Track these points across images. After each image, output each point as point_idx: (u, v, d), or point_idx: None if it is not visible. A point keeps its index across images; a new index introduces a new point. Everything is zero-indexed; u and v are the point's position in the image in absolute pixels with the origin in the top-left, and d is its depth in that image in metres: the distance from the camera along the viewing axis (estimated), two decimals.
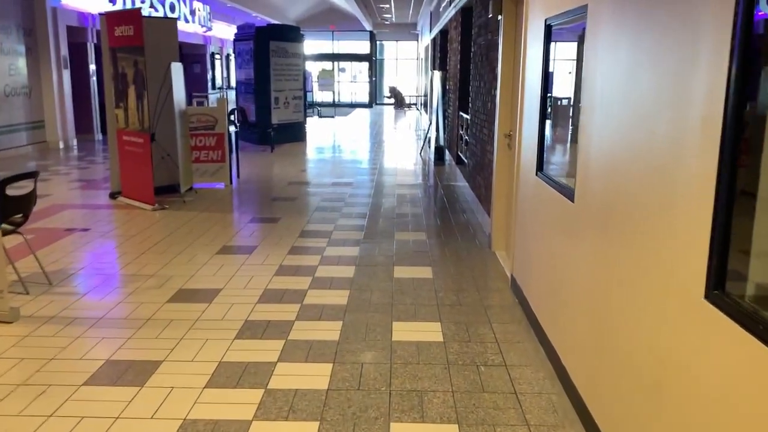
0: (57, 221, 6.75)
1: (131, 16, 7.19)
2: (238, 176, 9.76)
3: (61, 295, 4.53)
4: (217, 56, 25.09)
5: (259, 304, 4.38)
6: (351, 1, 20.73)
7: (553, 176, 3.62)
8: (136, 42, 7.21)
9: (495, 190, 5.68)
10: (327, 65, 31.95)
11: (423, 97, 25.12)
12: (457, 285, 4.81)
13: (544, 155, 3.93)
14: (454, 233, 6.41)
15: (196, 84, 23.09)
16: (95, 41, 14.48)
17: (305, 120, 15.31)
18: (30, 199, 4.66)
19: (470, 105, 8.17)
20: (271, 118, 14.14)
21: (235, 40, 14.85)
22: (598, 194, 2.71)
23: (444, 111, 11.69)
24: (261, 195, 8.46)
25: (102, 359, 3.53)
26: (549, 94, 3.87)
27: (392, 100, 31.43)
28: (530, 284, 4.10)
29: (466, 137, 8.82)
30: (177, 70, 7.88)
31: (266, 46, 13.85)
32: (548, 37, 3.85)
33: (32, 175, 4.70)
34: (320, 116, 24.10)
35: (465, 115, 9.03)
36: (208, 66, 23.68)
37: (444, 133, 11.68)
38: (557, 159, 3.84)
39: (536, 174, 3.96)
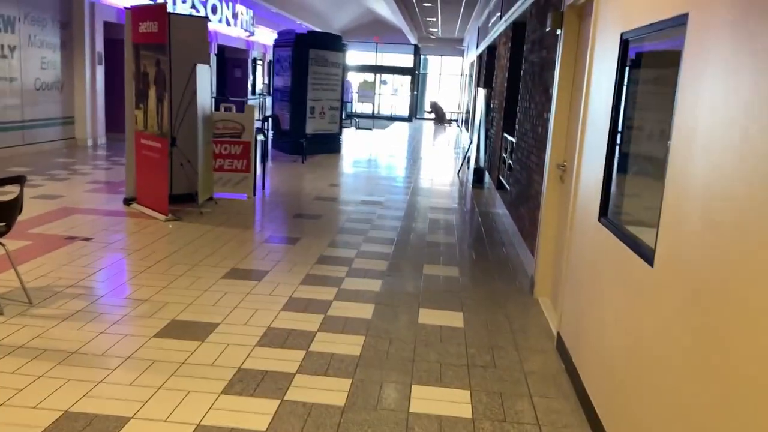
0: (60, 227, 6.26)
1: (156, 11, 6.71)
2: (263, 188, 9.21)
3: (38, 318, 3.97)
4: (259, 62, 24.86)
5: (258, 347, 3.75)
6: (397, 14, 20.25)
7: (623, 226, 2.90)
8: (160, 39, 6.73)
9: (542, 228, 4.95)
10: (369, 77, 31.54)
11: (464, 114, 24.43)
12: (492, 339, 4.10)
13: (610, 197, 3.21)
14: (491, 271, 5.70)
15: (237, 89, 22.86)
16: None
17: (341, 131, 14.77)
18: (13, 206, 4.13)
19: (516, 127, 7.47)
20: (305, 127, 13.62)
21: (274, 46, 14.43)
22: (696, 263, 1.99)
23: (486, 131, 10.99)
24: (284, 210, 7.88)
25: (59, 410, 2.93)
26: (623, 124, 3.16)
27: (432, 116, 30.80)
28: (583, 351, 3.37)
29: (510, 161, 8.10)
30: (203, 72, 7.37)
31: (305, 53, 13.37)
32: (624, 54, 3.14)
33: (18, 179, 4.18)
34: (357, 128, 23.60)
35: (510, 138, 8.32)
36: (249, 71, 23.45)
37: (485, 155, 10.97)
38: (630, 204, 3.12)
39: (599, 219, 3.24)
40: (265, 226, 6.98)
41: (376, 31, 29.61)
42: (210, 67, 7.58)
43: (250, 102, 22.71)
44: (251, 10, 19.72)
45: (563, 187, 4.72)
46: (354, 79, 30.20)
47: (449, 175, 12.19)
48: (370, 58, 32.11)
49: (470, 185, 10.90)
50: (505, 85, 9.14)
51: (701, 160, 2.03)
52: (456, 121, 29.27)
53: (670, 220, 2.26)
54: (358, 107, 31.66)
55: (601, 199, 3.23)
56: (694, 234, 2.04)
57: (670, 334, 2.16)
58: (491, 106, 10.97)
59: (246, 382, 3.30)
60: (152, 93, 6.95)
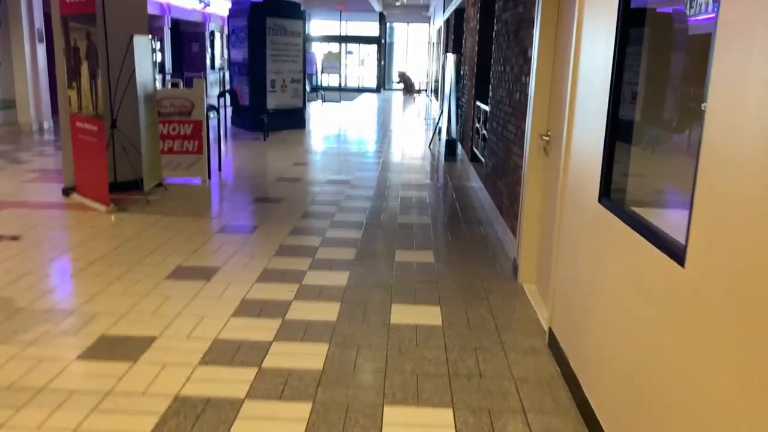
0: None
1: None
2: (220, 169, 8.52)
3: None
4: (218, 35, 23.79)
5: (201, 366, 3.16)
6: None
7: (636, 214, 2.36)
8: (89, 9, 5.96)
9: (524, 206, 4.42)
10: (334, 47, 30.58)
11: (434, 83, 23.77)
12: (475, 339, 3.57)
13: (612, 174, 2.67)
14: (469, 254, 5.17)
15: (195, 63, 21.84)
16: None
17: (305, 105, 14.04)
18: None
19: (490, 94, 6.89)
20: (266, 102, 12.87)
21: (229, 17, 13.56)
22: (744, 263, 1.46)
23: (457, 100, 10.40)
24: (243, 194, 7.23)
25: None
26: (627, 88, 2.60)
27: (401, 86, 30.06)
28: (582, 355, 2.86)
29: (484, 132, 7.54)
30: (142, 44, 6.62)
31: (262, 23, 12.55)
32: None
33: None
34: (324, 101, 22.80)
35: (483, 106, 7.74)
36: (207, 45, 22.40)
37: (456, 125, 10.39)
38: (640, 180, 2.58)
39: (599, 200, 2.70)
40: (219, 214, 6.34)
41: None
42: (151, 38, 6.83)
43: (209, 78, 21.73)
44: None
45: (548, 160, 4.18)
46: (319, 50, 29.22)
47: (420, 148, 11.61)
48: (334, 27, 31.09)
49: (443, 158, 10.33)
50: (476, 49, 8.53)
51: (755, 122, 1.48)
52: (425, 90, 28.58)
53: (706, 207, 1.72)
54: (325, 80, 30.74)
55: (602, 177, 2.69)
56: (744, 224, 1.50)
57: (709, 347, 1.63)
58: (461, 72, 10.37)
59: (184, 415, 2.72)
60: (84, 70, 6.19)
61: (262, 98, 12.82)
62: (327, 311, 3.90)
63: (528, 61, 4.70)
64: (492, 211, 6.24)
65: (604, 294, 2.59)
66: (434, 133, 12.49)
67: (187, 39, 22.01)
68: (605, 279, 2.58)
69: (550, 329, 3.50)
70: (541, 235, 4.31)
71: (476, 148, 8.33)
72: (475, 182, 7.92)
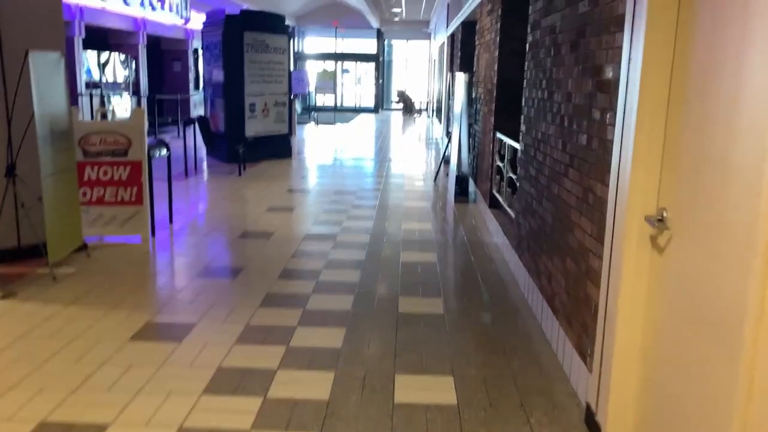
0: None
1: None
2: (171, 221, 6.71)
3: None
4: (202, 53, 22.14)
5: None
6: None
7: None
8: None
9: (617, 335, 2.60)
10: (329, 65, 28.96)
11: (436, 103, 22.09)
12: None
13: None
14: (508, 378, 3.34)
15: (176, 84, 20.13)
16: None
17: (291, 131, 12.27)
18: None
19: (523, 128, 5.11)
20: (243, 129, 11.10)
21: (202, 32, 11.85)
22: None
23: (469, 127, 8.62)
24: (189, 261, 5.42)
25: None
26: None
27: (400, 105, 28.39)
28: None
29: (511, 175, 5.76)
30: (47, 64, 4.85)
31: (239, 37, 10.81)
32: None
33: None
34: (317, 123, 21.06)
35: (508, 141, 5.98)
36: (191, 64, 20.72)
37: (469, 157, 8.60)
38: None
39: None
40: (148, 297, 4.51)
41: (334, 15, 26.97)
42: (61, 54, 5.04)
43: (194, 98, 20.01)
44: None
45: (665, 260, 2.37)
46: (314, 68, 27.58)
47: (424, 183, 9.81)
48: (330, 45, 29.49)
49: (452, 197, 8.53)
50: (495, 68, 6.76)
51: None
52: (426, 110, 26.90)
53: None
54: (320, 99, 29.08)
55: None
56: None
57: None
58: (474, 95, 8.61)
59: None
60: None
61: (239, 125, 11.05)
62: None
63: (606, 86, 2.92)
64: (531, 292, 4.43)
65: None
66: (440, 165, 10.70)
67: (168, 57, 20.33)
68: None
69: None
70: (648, 384, 2.49)
71: (498, 193, 6.53)
72: (497, 237, 6.11)
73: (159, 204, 6.62)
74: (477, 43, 8.58)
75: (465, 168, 8.61)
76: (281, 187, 9.04)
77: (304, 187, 9.25)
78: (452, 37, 14.43)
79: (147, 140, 6.05)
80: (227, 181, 9.41)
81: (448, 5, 15.83)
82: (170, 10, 16.23)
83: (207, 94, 11.82)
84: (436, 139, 17.51)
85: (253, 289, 4.70)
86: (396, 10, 24.41)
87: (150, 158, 6.02)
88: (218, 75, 11.13)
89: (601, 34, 3.05)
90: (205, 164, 10.95)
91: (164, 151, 6.54)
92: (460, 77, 8.62)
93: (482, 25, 8.14)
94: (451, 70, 13.97)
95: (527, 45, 4.97)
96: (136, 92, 16.96)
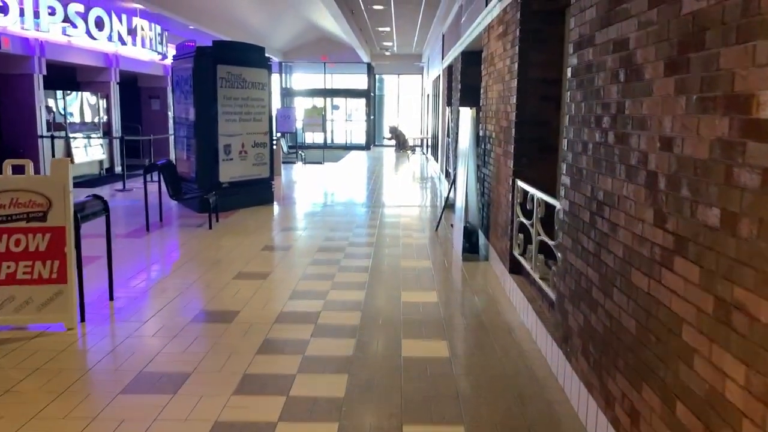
0: None
1: None
2: (111, 298, 5.32)
3: None
4: None
5: None
6: (343, 21, 16.68)
7: None
8: None
9: None
10: (318, 101, 27.91)
11: (431, 140, 20.95)
12: None
13: None
14: None
15: (155, 123, 18.89)
16: None
17: (272, 175, 10.97)
18: None
19: (567, 181, 3.82)
20: (217, 174, 9.79)
21: (172, 67, 10.62)
22: None
23: (476, 169, 7.34)
24: (117, 365, 4.02)
25: None
26: None
27: (393, 142, 27.25)
28: None
29: (548, 241, 4.45)
30: None
31: (212, 71, 9.58)
32: None
33: None
34: (305, 162, 19.82)
35: (537, 194, 4.70)
36: (170, 102, 19.52)
37: (477, 205, 7.29)
38: None
39: None
40: (58, 424, 3.11)
41: (323, 50, 26.04)
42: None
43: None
44: (158, 26, 15.86)
45: None
46: (302, 105, 26.49)
47: (424, 234, 8.49)
48: (318, 81, 28.51)
49: (458, 252, 7.20)
50: (513, 100, 5.51)
51: None
52: (420, 146, 25.77)
53: None
54: (309, 137, 27.95)
55: None
56: None
57: None
58: (483, 133, 7.35)
59: None
60: None
61: (213, 169, 9.75)
62: None
63: (764, 129, 1.61)
64: (593, 418, 3.07)
65: None
66: (442, 212, 9.40)
67: (145, 95, 19.14)
68: None
69: None
70: None
71: (523, 255, 5.20)
72: (525, 316, 4.77)
73: (101, 275, 5.25)
74: (484, 72, 7.37)
75: (473, 218, 7.29)
76: (256, 244, 7.68)
77: (283, 242, 7.90)
78: (449, 68, 13.32)
79: (77, 198, 4.72)
80: (195, 237, 8.04)
81: (443, 36, 14.78)
82: (143, 45, 15.04)
83: (177, 135, 10.53)
84: (432, 177, 16.28)
85: (198, 414, 3.31)
86: (387, 43, 23.47)
87: (78, 222, 4.67)
88: (189, 113, 9.86)
89: (748, 40, 1.77)
90: (175, 214, 9.61)
91: (98, 210, 5.18)
92: (466, 113, 7.38)
93: (490, 51, 6.93)
94: (449, 103, 12.80)
95: (569, 70, 3.71)
96: (107, 133, 15.69)
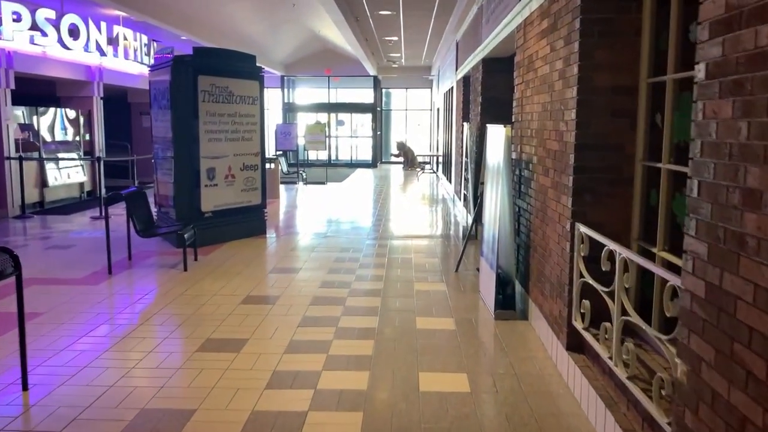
0: None
1: None
2: (24, 386, 3.88)
3: None
4: None
5: None
6: (350, 35, 15.37)
7: None
8: None
9: None
10: (322, 117, 26.58)
11: (442, 157, 19.53)
12: None
13: None
14: None
15: (145, 140, 17.55)
16: None
17: (264, 202, 9.55)
18: None
19: (692, 245, 2.36)
20: (199, 202, 8.39)
21: (149, 80, 9.25)
22: None
23: (511, 201, 5.84)
24: None
25: None
26: None
27: (401, 159, 25.86)
28: None
29: (631, 317, 2.98)
30: None
31: (192, 83, 8.21)
32: None
33: None
34: (306, 183, 18.41)
35: (627, 253, 3.23)
36: None
37: (512, 243, 5.80)
38: None
39: None
40: None
41: (327, 63, 24.75)
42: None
43: None
44: (145, 36, 14.54)
45: None
46: (305, 120, 25.17)
47: (442, 277, 7.02)
48: (322, 95, 27.21)
49: (490, 309, 5.72)
50: (572, 115, 4.07)
51: None
52: (429, 164, 24.34)
53: None
54: (312, 154, 26.58)
55: None
56: None
57: None
58: (517, 156, 5.90)
59: None
60: None
61: (193, 196, 8.35)
62: None
63: None
64: None
65: None
66: (464, 248, 7.93)
67: (136, 111, 17.85)
68: None
69: None
70: None
71: (588, 330, 3.71)
72: (598, 421, 3.29)
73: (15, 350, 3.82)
74: (518, 81, 5.93)
75: (506, 262, 5.81)
76: (237, 293, 6.24)
77: (270, 290, 6.46)
78: (465, 80, 11.93)
79: None
80: (165, 283, 6.61)
81: (456, 44, 13.41)
82: (125, 56, 13.70)
83: (156, 156, 9.15)
84: (445, 198, 14.83)
85: None
86: (394, 54, 22.15)
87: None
88: (167, 132, 8.48)
89: None
90: (150, 250, 8.19)
91: (7, 270, 3.76)
92: (497, 132, 5.94)
93: (528, 54, 5.50)
94: (466, 119, 11.38)
95: (704, 67, 2.26)
96: (89, 152, 14.36)
